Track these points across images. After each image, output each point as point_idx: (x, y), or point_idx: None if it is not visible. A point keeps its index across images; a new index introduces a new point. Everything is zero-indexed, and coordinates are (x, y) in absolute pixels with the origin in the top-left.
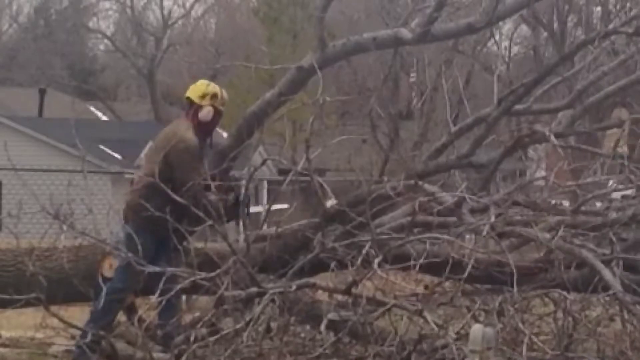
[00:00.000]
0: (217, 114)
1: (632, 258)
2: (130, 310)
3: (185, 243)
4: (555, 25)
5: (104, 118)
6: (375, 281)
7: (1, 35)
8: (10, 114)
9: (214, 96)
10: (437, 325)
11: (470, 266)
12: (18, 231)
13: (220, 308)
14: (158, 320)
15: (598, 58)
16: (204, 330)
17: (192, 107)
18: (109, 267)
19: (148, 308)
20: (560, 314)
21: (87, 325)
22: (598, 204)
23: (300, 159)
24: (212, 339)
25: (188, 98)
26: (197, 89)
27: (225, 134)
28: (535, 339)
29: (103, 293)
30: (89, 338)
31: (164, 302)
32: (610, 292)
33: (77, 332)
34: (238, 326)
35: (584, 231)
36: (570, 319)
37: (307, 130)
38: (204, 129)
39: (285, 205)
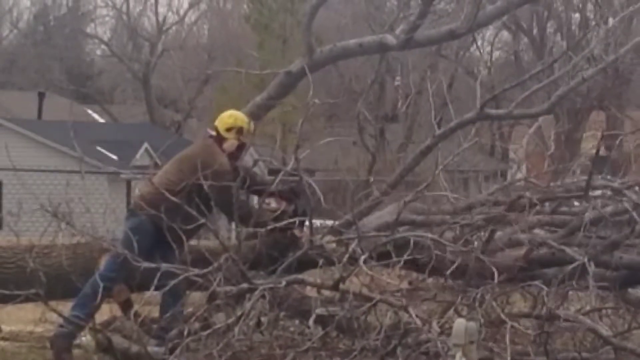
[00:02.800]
0: (242, 145)
1: (606, 258)
2: (127, 305)
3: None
4: (535, 31)
5: (101, 120)
6: (362, 277)
7: (2, 41)
8: (10, 116)
9: (239, 131)
10: (421, 319)
11: (453, 263)
12: (18, 229)
13: (212, 303)
14: (161, 315)
15: (577, 64)
16: (197, 325)
17: (219, 137)
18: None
19: (143, 303)
20: (539, 309)
21: (73, 309)
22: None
23: (290, 159)
24: (204, 333)
25: (215, 127)
26: (225, 122)
27: None
28: (516, 325)
29: (91, 280)
30: (74, 322)
31: (167, 298)
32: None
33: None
34: (230, 321)
35: (563, 229)
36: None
37: (297, 132)
38: (230, 157)
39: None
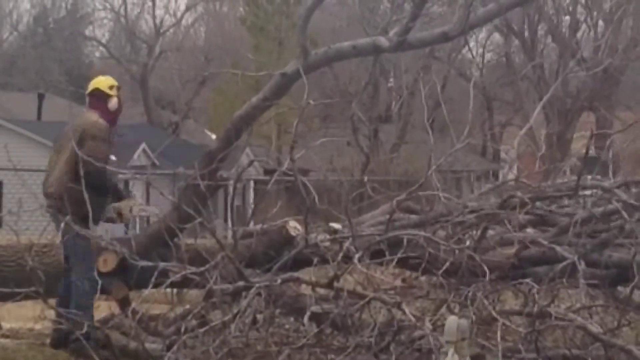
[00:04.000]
0: (120, 104)
1: (596, 257)
2: (125, 303)
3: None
4: (526, 33)
5: None
6: (355, 275)
7: (2, 43)
8: (10, 117)
9: (118, 88)
10: (414, 316)
11: (446, 261)
12: (18, 228)
13: (209, 301)
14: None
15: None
16: (194, 322)
17: (101, 99)
18: (103, 263)
19: (141, 301)
20: (530, 306)
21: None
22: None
23: (285, 160)
24: (201, 330)
25: (97, 90)
26: (105, 82)
27: (214, 137)
28: (508, 323)
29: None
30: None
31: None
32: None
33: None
34: (226, 318)
35: (554, 228)
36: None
37: (292, 132)
38: (113, 118)
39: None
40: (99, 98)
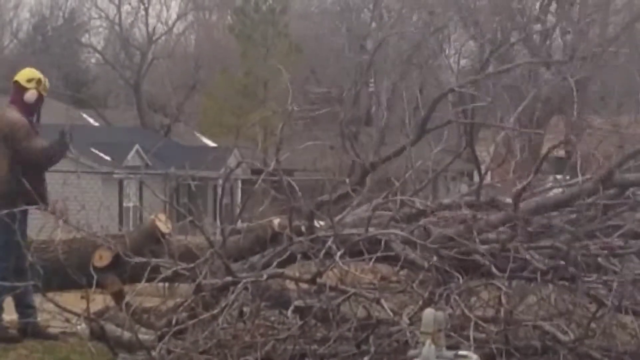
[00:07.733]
0: (40, 98)
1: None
2: (119, 296)
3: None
4: (499, 41)
5: (95, 124)
6: (337, 271)
7: (3, 50)
8: None
9: (38, 81)
10: (392, 311)
11: (422, 259)
12: None
13: (198, 295)
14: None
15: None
16: (184, 314)
17: (19, 90)
18: (99, 258)
19: (135, 294)
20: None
21: None
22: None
23: (271, 161)
24: (191, 322)
25: (16, 82)
26: (25, 74)
27: (204, 139)
28: (479, 322)
29: None
30: None
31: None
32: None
33: (71, 316)
34: (215, 311)
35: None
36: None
37: (277, 135)
38: (28, 110)
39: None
40: (17, 90)
